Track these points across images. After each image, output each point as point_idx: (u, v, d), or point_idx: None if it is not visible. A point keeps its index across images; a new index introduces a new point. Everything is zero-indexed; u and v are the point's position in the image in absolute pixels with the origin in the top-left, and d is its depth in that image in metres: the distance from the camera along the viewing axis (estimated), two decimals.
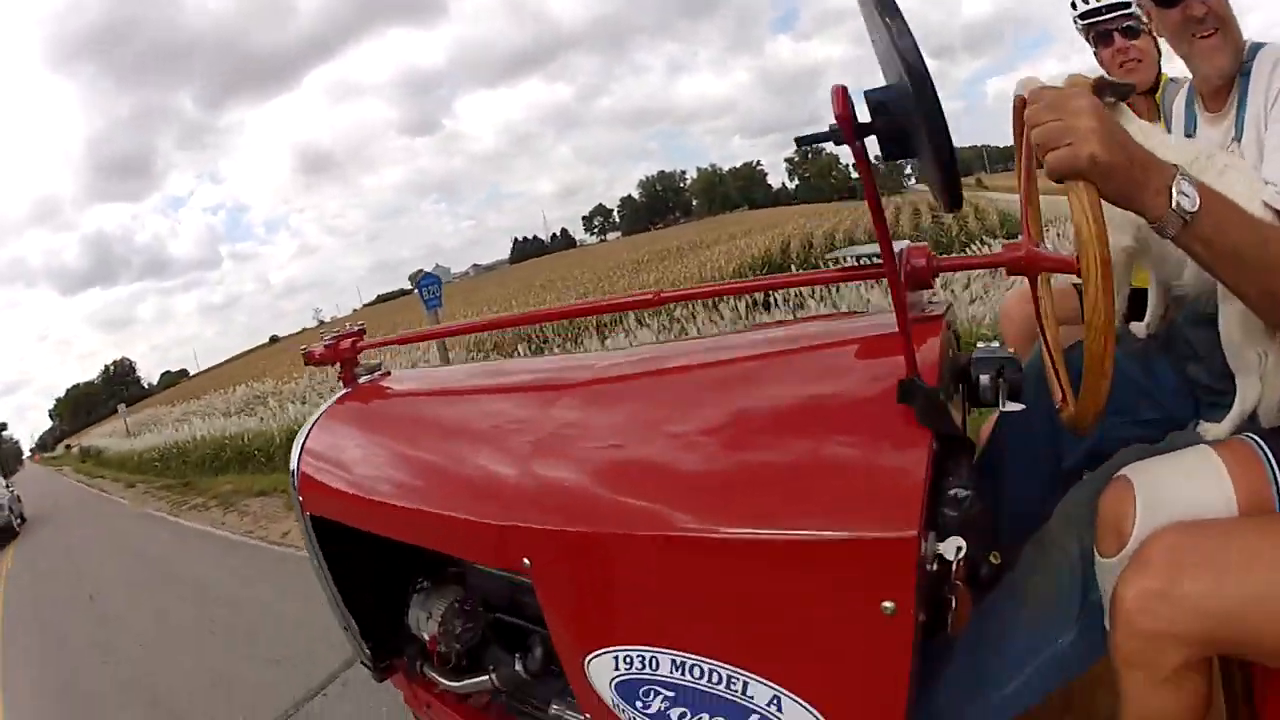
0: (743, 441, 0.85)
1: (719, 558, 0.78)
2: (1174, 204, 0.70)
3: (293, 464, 1.38)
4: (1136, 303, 1.19)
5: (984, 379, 0.84)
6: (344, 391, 1.47)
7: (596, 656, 0.88)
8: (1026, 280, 0.93)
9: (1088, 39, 1.86)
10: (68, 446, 57.76)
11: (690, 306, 9.06)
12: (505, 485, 0.96)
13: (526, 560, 0.92)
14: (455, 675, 1.26)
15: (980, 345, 0.89)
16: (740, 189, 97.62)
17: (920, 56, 0.60)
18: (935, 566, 0.74)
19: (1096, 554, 0.84)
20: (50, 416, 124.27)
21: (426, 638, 1.26)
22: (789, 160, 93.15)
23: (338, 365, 1.51)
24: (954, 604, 0.82)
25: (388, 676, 1.47)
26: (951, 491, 0.77)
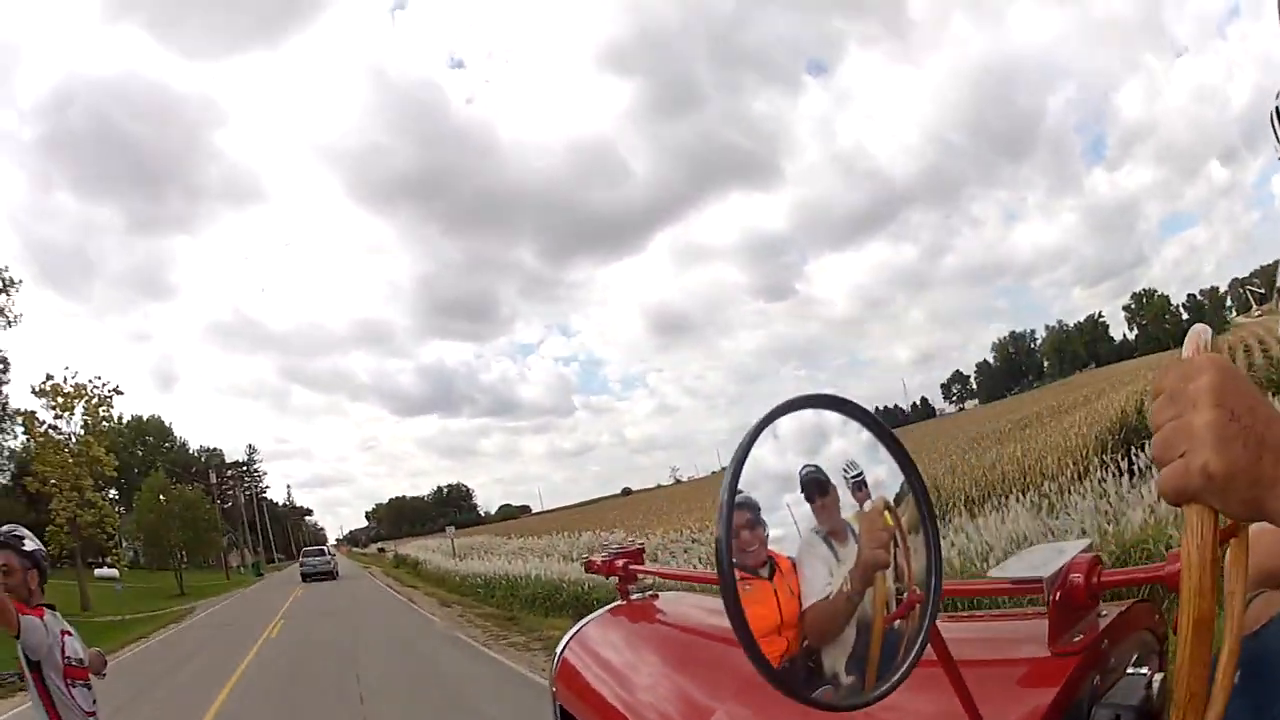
0: None
1: None
2: None
3: (558, 649, 1.46)
4: None
5: None
6: (615, 604, 1.58)
7: None
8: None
9: None
10: (381, 549, 64.60)
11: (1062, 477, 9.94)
12: None
13: None
14: None
15: (1131, 671, 0.79)
16: (1085, 344, 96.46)
17: None
18: None
19: None
20: (366, 518, 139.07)
21: None
22: (1126, 308, 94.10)
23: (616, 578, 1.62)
24: None
25: None
26: None
